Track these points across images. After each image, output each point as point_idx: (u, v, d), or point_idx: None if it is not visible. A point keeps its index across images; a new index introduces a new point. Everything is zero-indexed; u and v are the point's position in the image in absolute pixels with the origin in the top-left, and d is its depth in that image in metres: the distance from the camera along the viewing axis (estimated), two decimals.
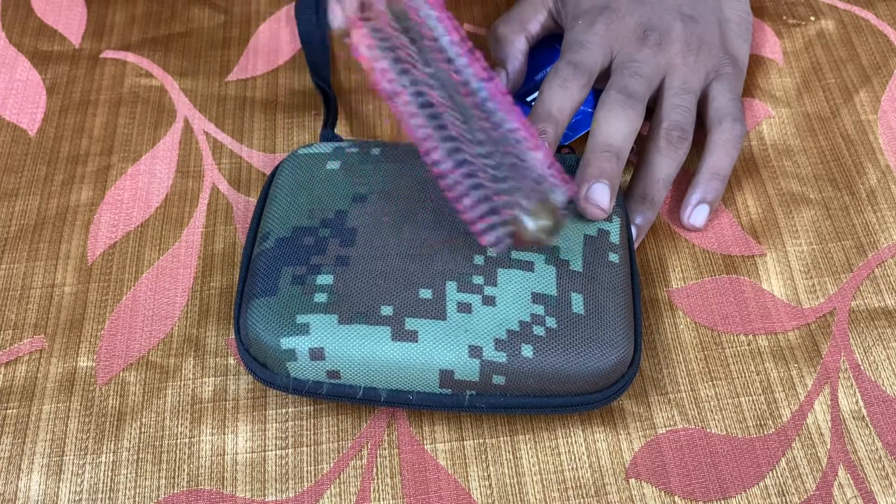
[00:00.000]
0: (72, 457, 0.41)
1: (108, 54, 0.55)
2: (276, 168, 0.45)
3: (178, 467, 0.40)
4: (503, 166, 0.37)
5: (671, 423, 0.41)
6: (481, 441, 0.41)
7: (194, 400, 0.42)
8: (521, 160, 0.37)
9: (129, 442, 0.41)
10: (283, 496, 0.39)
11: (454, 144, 0.37)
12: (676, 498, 0.39)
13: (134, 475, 0.40)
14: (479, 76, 0.38)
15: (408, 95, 0.38)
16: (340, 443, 0.41)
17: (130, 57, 0.55)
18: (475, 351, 0.38)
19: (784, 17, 0.57)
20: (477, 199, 0.37)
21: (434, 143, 0.37)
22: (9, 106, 0.53)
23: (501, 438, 0.41)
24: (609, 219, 0.43)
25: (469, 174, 0.37)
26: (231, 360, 0.43)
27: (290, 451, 0.41)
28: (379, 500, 0.39)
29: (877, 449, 0.41)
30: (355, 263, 0.40)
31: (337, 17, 0.40)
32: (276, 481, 0.40)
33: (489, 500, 0.39)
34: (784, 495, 0.39)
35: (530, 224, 0.36)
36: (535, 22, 0.51)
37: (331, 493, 0.40)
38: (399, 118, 0.38)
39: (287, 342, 0.39)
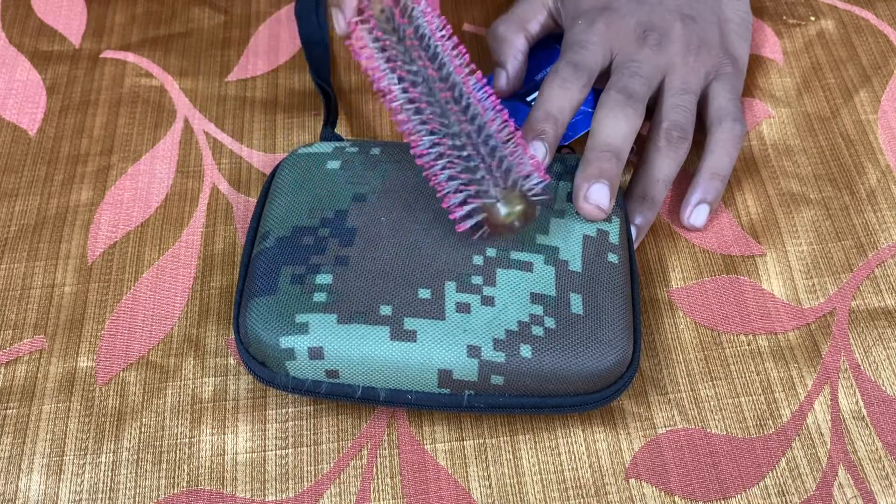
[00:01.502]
0: (72, 457, 0.41)
1: (108, 54, 0.55)
2: (276, 167, 0.45)
3: (178, 467, 0.40)
4: (476, 157, 0.39)
5: (671, 423, 0.41)
6: (481, 441, 0.41)
7: (194, 400, 0.42)
8: (493, 150, 0.39)
9: (129, 442, 0.41)
10: (283, 496, 0.39)
11: (433, 138, 0.40)
12: (676, 498, 0.39)
13: (134, 475, 0.40)
14: (459, 71, 0.41)
15: (395, 93, 0.40)
16: (340, 443, 0.41)
17: (130, 57, 0.55)
18: (474, 351, 0.38)
19: (784, 17, 0.57)
20: (453, 188, 0.39)
21: (416, 137, 0.40)
22: (9, 106, 0.53)
23: (501, 438, 0.41)
24: (608, 219, 0.43)
25: (446, 166, 0.39)
26: (231, 360, 0.43)
27: (290, 451, 0.41)
28: (379, 500, 0.39)
29: (877, 449, 0.41)
30: (354, 263, 0.40)
31: (340, 24, 0.43)
32: (276, 481, 0.40)
33: (489, 500, 0.39)
34: (784, 495, 0.39)
35: (502, 210, 0.39)
36: (535, 22, 0.51)
37: (331, 493, 0.40)
38: (391, 114, 0.41)
39: (286, 341, 0.39)
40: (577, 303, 0.40)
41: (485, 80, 0.42)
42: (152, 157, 0.50)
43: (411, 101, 0.40)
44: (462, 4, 0.58)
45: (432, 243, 0.41)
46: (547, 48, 0.54)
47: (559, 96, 0.45)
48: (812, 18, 0.56)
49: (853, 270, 0.46)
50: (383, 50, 0.41)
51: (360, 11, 0.42)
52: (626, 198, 0.46)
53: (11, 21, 0.57)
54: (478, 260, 0.41)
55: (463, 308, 0.39)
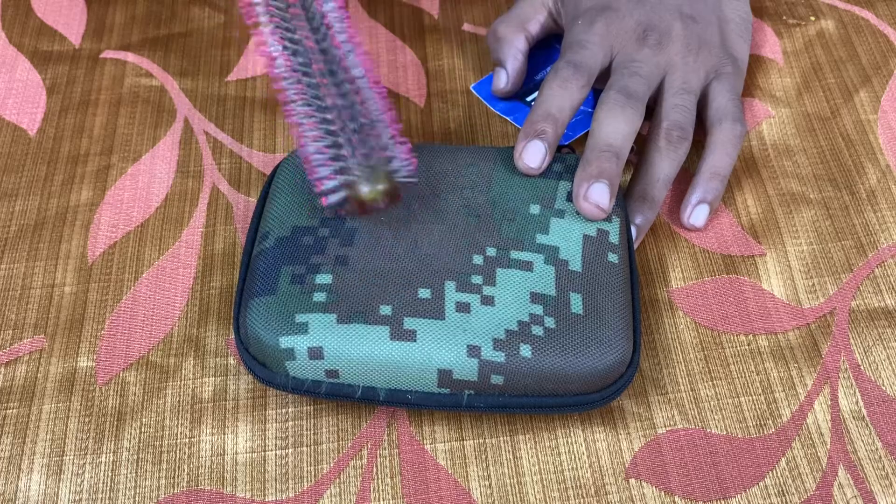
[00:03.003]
0: (72, 457, 0.41)
1: (108, 54, 0.55)
2: (276, 167, 0.45)
3: (178, 467, 0.40)
4: (343, 133, 0.40)
5: (671, 423, 0.41)
6: (481, 441, 0.41)
7: (194, 400, 0.42)
8: (360, 128, 0.40)
9: (129, 442, 0.41)
10: (283, 496, 0.39)
11: (305, 110, 0.40)
12: (676, 498, 0.39)
13: (134, 475, 0.40)
14: (338, 46, 0.41)
15: (276, 61, 0.41)
16: (340, 443, 0.41)
17: (130, 57, 0.55)
18: (474, 350, 0.38)
19: (784, 17, 0.57)
20: (318, 163, 0.40)
21: (291, 108, 0.40)
22: (9, 106, 0.53)
23: (501, 438, 0.41)
24: (609, 219, 0.43)
25: (314, 139, 0.40)
26: (231, 360, 0.43)
27: (290, 451, 0.41)
28: (379, 500, 0.39)
29: (877, 449, 0.41)
30: (354, 263, 0.40)
31: None
32: (276, 481, 0.40)
33: (489, 500, 0.39)
34: (784, 495, 0.39)
35: (363, 188, 0.39)
36: (535, 22, 0.51)
37: (331, 493, 0.40)
38: (273, 82, 0.42)
39: (286, 341, 0.39)
40: (577, 302, 0.40)
41: (367, 58, 0.42)
42: (152, 157, 0.50)
43: (289, 70, 0.40)
44: (462, 4, 0.58)
45: (432, 243, 0.41)
46: (547, 48, 0.54)
47: (559, 96, 0.45)
48: (812, 18, 0.56)
49: (853, 270, 0.46)
50: (271, 16, 0.41)
51: None
52: (626, 197, 0.46)
53: (11, 21, 0.57)
54: (478, 259, 0.41)
55: (463, 308, 0.39)
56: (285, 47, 0.41)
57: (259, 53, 0.42)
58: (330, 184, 0.40)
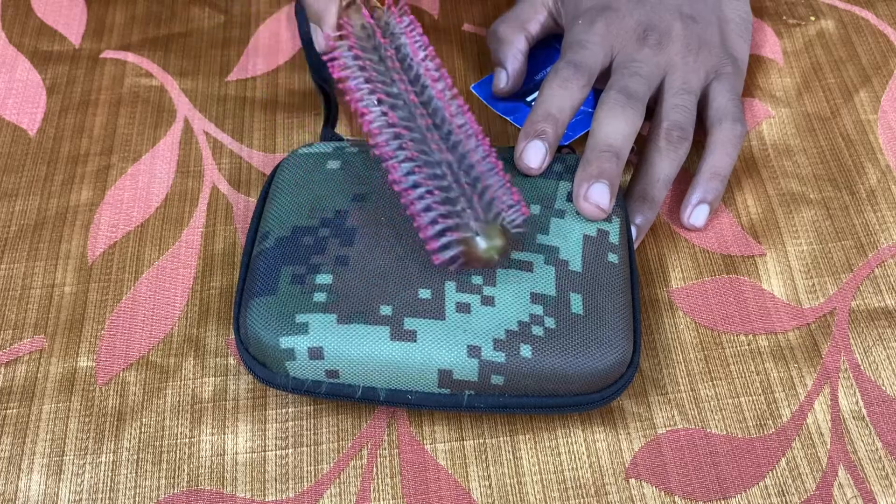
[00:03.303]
0: (72, 457, 0.41)
1: (108, 54, 0.55)
2: (277, 167, 0.45)
3: (178, 467, 0.40)
4: (457, 187, 0.38)
5: (671, 423, 0.41)
6: (481, 441, 0.41)
7: (194, 400, 0.42)
8: (475, 181, 0.38)
9: (129, 442, 0.41)
10: (283, 496, 0.39)
11: (411, 165, 0.38)
12: (676, 498, 0.39)
13: (134, 475, 0.40)
14: (440, 96, 0.39)
15: (372, 115, 0.39)
16: (340, 443, 0.41)
17: (130, 57, 0.55)
18: (474, 351, 0.38)
19: (784, 17, 0.57)
20: (431, 220, 0.38)
21: (394, 163, 0.39)
22: (9, 106, 0.53)
23: (501, 438, 0.41)
24: (609, 219, 0.43)
25: (424, 195, 0.38)
26: (231, 360, 0.43)
27: (290, 451, 0.41)
28: (379, 500, 0.39)
29: (877, 449, 0.41)
30: (354, 263, 0.40)
31: (319, 41, 0.41)
32: (276, 481, 0.40)
33: (489, 500, 0.39)
34: (784, 495, 0.39)
35: (481, 244, 0.37)
36: (535, 22, 0.51)
37: (331, 493, 0.40)
38: (368, 137, 0.39)
39: (286, 341, 0.39)
40: (577, 303, 0.40)
41: (467, 107, 0.40)
42: (152, 157, 0.50)
43: (390, 125, 0.39)
44: (462, 4, 0.58)
45: None
46: (547, 48, 0.54)
47: (559, 96, 0.45)
48: (812, 18, 0.56)
49: (853, 270, 0.46)
50: (363, 69, 0.39)
51: (339, 27, 0.41)
52: (626, 197, 0.46)
53: (11, 21, 0.57)
54: None
55: (463, 308, 0.39)
56: (381, 101, 0.38)
57: (353, 108, 0.39)
58: (443, 241, 0.38)
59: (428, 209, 0.38)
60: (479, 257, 0.38)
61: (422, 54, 0.40)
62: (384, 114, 0.39)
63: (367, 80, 0.39)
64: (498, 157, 0.40)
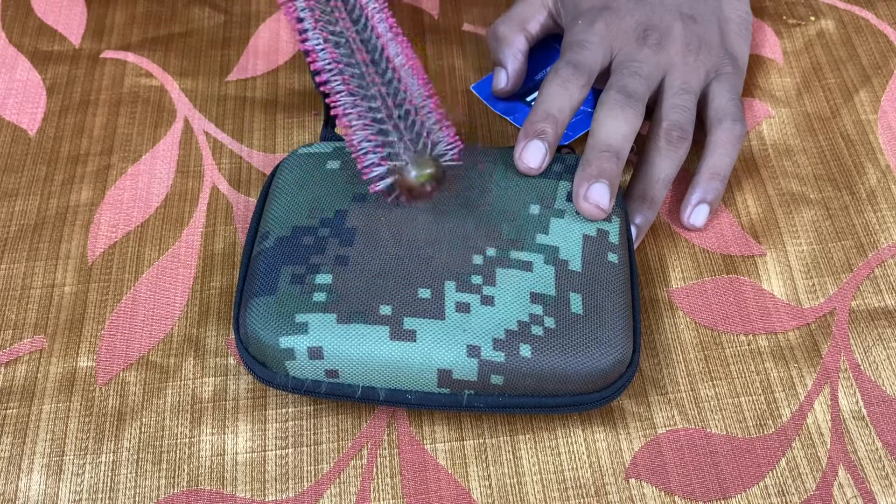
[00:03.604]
0: (72, 457, 0.41)
1: (108, 54, 0.55)
2: (276, 167, 0.45)
3: (178, 467, 0.40)
4: (389, 120, 0.39)
5: (671, 423, 0.41)
6: (481, 441, 0.41)
7: (194, 400, 0.42)
8: (406, 114, 0.40)
9: (129, 442, 0.41)
10: (283, 496, 0.39)
11: (351, 99, 0.40)
12: (676, 498, 0.39)
13: (134, 475, 0.40)
14: (380, 34, 0.41)
15: (318, 53, 0.41)
16: (340, 443, 0.41)
17: (130, 57, 0.55)
18: (473, 350, 0.38)
19: (784, 17, 0.57)
20: (364, 150, 0.40)
21: (336, 98, 0.40)
22: (9, 106, 0.53)
23: (501, 438, 0.41)
24: (608, 219, 0.43)
25: (361, 127, 0.40)
26: (231, 360, 0.43)
27: (290, 451, 0.41)
28: (379, 500, 0.39)
29: (877, 449, 0.41)
30: (354, 263, 0.40)
31: None
32: (276, 481, 0.40)
33: (489, 500, 0.39)
34: (784, 495, 0.39)
35: (411, 172, 0.39)
36: (535, 22, 0.51)
37: (331, 493, 0.40)
38: (315, 76, 0.42)
39: (286, 341, 0.39)
40: (577, 302, 0.40)
41: (408, 44, 0.42)
42: (152, 157, 0.50)
43: (333, 61, 0.41)
44: (462, 4, 0.58)
45: (432, 243, 0.41)
46: (547, 48, 0.54)
47: (559, 96, 0.45)
48: (812, 18, 0.56)
49: (853, 270, 0.46)
50: (311, 10, 0.41)
51: None
52: (626, 197, 0.46)
53: (11, 21, 0.57)
54: (477, 259, 0.41)
55: (462, 308, 0.39)
56: (327, 39, 0.41)
57: (301, 48, 0.42)
58: (378, 170, 0.39)
59: (365, 140, 0.40)
60: (411, 186, 0.39)
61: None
62: (326, 51, 0.41)
63: (315, 21, 0.41)
64: (434, 95, 0.42)
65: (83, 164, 0.50)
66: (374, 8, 0.42)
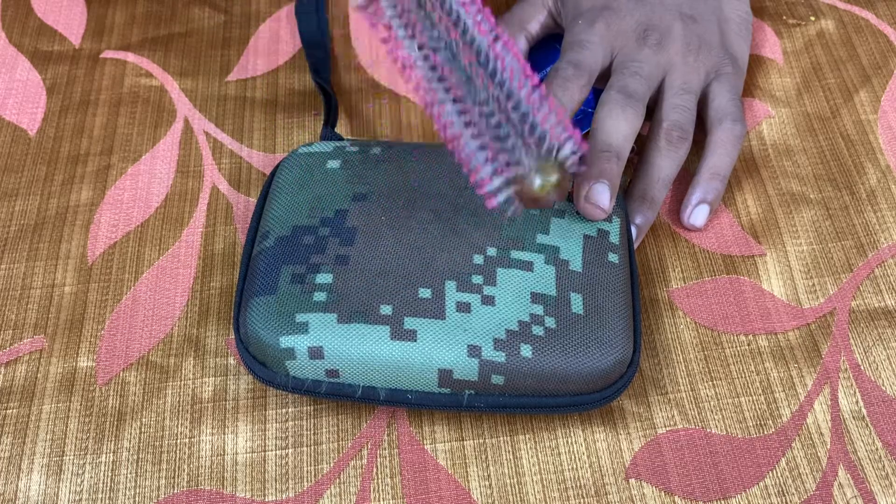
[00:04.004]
0: (72, 457, 0.41)
1: (108, 54, 0.55)
2: (277, 167, 0.45)
3: (178, 467, 0.40)
4: (507, 124, 0.36)
5: (671, 423, 0.41)
6: (481, 441, 0.41)
7: (194, 400, 0.42)
8: (525, 117, 0.36)
9: (129, 442, 0.41)
10: (283, 496, 0.39)
11: (458, 106, 0.37)
12: (676, 498, 0.39)
13: (134, 475, 0.40)
14: (484, 34, 0.37)
15: (416, 61, 0.37)
16: (340, 443, 0.41)
17: (130, 57, 0.55)
18: (474, 350, 0.38)
19: (784, 17, 0.57)
20: (482, 160, 0.36)
21: (441, 108, 0.37)
22: (9, 106, 0.53)
23: (501, 438, 0.41)
24: (609, 219, 0.43)
25: (474, 136, 0.36)
26: (231, 360, 0.43)
27: (290, 451, 0.41)
28: (379, 500, 0.39)
29: (877, 449, 0.41)
30: (355, 262, 0.40)
31: None
32: (276, 481, 0.40)
33: (489, 500, 0.39)
34: (784, 495, 0.39)
35: (535, 181, 0.36)
36: (535, 22, 0.51)
37: (331, 493, 0.40)
38: (413, 90, 0.38)
39: (286, 341, 0.39)
40: (577, 302, 0.40)
41: (512, 41, 0.38)
42: (152, 157, 0.50)
43: (433, 68, 0.37)
44: None
45: (432, 242, 0.41)
46: (547, 48, 0.54)
47: (559, 96, 0.45)
48: (812, 18, 0.56)
49: (853, 270, 0.46)
50: (400, 17, 0.38)
51: None
52: (626, 198, 0.46)
53: (11, 21, 0.57)
54: (478, 259, 0.41)
55: (463, 307, 0.39)
56: (423, 45, 0.37)
57: (393, 58, 0.38)
58: (497, 182, 0.36)
59: (479, 149, 0.36)
60: (534, 195, 0.36)
61: None
62: (426, 57, 0.37)
63: (406, 27, 0.38)
64: (549, 95, 0.38)
65: (83, 164, 0.50)
66: (472, 5, 0.38)
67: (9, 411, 0.42)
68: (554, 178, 0.36)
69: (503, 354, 0.38)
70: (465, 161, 0.37)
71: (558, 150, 0.36)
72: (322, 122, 0.52)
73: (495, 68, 0.37)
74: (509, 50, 0.38)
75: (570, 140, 0.36)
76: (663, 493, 0.39)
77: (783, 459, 0.40)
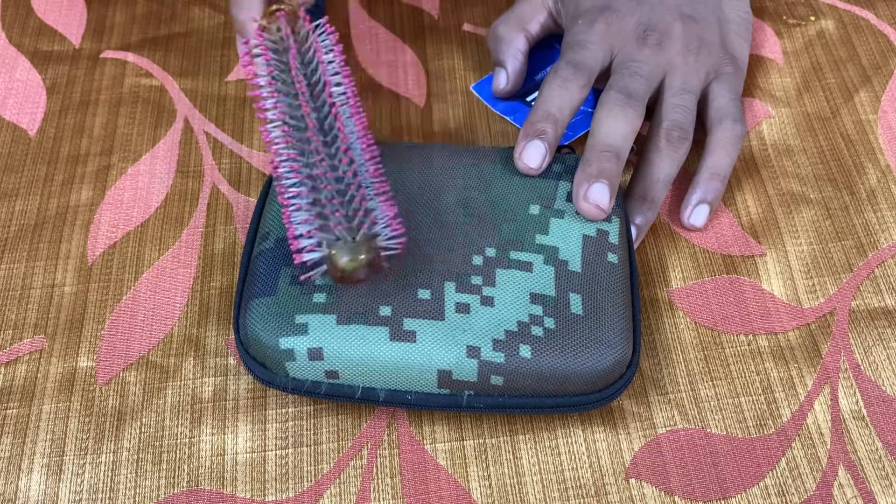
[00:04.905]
0: (72, 457, 0.41)
1: (108, 54, 0.55)
2: None
3: (178, 467, 0.40)
4: (330, 200, 0.37)
5: (671, 423, 0.41)
6: (481, 441, 0.41)
7: (194, 400, 0.42)
8: (352, 198, 0.38)
9: (129, 442, 0.41)
10: (283, 496, 0.40)
11: (293, 171, 0.38)
12: (676, 498, 0.39)
13: (134, 475, 0.40)
14: (336, 111, 0.39)
15: (267, 115, 0.39)
16: (340, 443, 0.41)
17: (130, 57, 0.55)
18: (473, 351, 0.38)
19: (784, 17, 0.57)
20: (302, 230, 0.38)
21: (279, 165, 0.39)
22: (9, 106, 0.53)
23: (501, 438, 0.41)
24: (608, 219, 0.43)
25: (300, 206, 0.38)
26: (231, 360, 0.43)
27: (290, 451, 0.41)
28: (379, 500, 0.39)
29: (877, 449, 0.41)
30: None
31: (244, 24, 0.42)
32: (276, 481, 0.40)
33: (489, 500, 0.39)
34: (784, 495, 0.39)
35: (343, 257, 0.37)
36: (535, 22, 0.51)
37: (331, 493, 0.40)
38: (262, 133, 0.40)
39: (286, 342, 0.39)
40: (576, 303, 0.40)
41: (365, 125, 0.40)
42: (152, 157, 0.50)
43: (279, 128, 0.39)
44: (462, 4, 0.58)
45: (432, 243, 0.41)
46: (547, 48, 0.54)
47: (559, 96, 0.45)
48: (812, 18, 0.56)
49: (853, 270, 0.46)
50: (269, 66, 0.40)
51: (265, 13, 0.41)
52: (626, 198, 0.46)
53: (11, 21, 0.57)
54: (477, 260, 0.41)
55: (462, 308, 0.39)
56: (278, 89, 0.39)
57: (256, 106, 0.40)
58: (306, 242, 0.37)
59: (299, 210, 0.38)
60: (342, 270, 0.37)
61: (330, 65, 0.40)
62: (276, 118, 0.39)
63: (272, 80, 0.40)
64: (382, 172, 0.40)
65: (83, 164, 0.50)
66: (337, 81, 0.40)
67: (9, 411, 0.42)
68: (362, 257, 0.37)
69: (502, 355, 0.38)
70: (287, 224, 0.38)
71: (374, 233, 0.37)
72: None
73: (337, 147, 0.38)
74: (360, 131, 0.40)
75: (389, 225, 0.38)
76: (663, 493, 0.39)
77: (783, 459, 0.40)
